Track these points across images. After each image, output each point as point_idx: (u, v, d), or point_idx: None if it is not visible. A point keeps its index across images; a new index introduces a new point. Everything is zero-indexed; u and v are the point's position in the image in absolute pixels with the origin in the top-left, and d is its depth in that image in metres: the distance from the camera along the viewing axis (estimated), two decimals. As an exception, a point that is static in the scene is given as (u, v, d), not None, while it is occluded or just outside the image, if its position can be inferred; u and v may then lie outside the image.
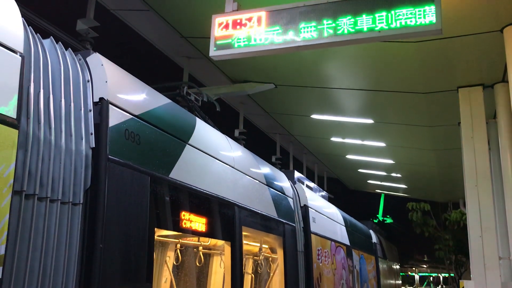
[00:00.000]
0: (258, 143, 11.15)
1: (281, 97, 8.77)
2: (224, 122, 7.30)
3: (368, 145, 11.55)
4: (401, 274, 27.69)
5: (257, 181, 6.24)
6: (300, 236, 7.43)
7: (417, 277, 44.45)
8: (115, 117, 3.54)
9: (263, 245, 6.86)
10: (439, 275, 43.12)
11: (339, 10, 4.33)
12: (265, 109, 9.72)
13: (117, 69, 3.89)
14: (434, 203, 20.87)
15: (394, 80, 7.57)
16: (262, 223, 6.21)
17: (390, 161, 13.24)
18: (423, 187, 17.54)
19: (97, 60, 3.65)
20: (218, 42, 4.69)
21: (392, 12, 4.17)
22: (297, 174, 9.42)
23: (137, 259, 3.61)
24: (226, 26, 4.69)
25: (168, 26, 6.53)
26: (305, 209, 7.95)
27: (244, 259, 5.76)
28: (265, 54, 4.64)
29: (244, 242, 5.72)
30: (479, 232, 6.71)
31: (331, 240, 9.32)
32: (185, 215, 4.38)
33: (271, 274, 7.01)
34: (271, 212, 6.47)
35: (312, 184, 10.79)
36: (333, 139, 11.44)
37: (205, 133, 5.12)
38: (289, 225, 7.04)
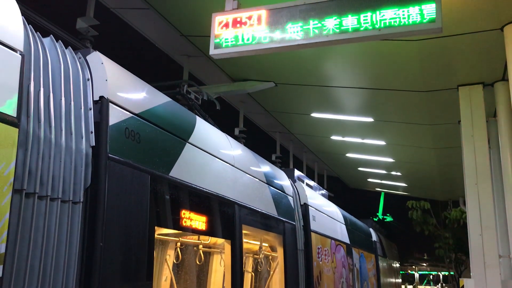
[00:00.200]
0: (258, 141, 11.16)
1: (281, 95, 8.77)
2: (224, 121, 7.30)
3: (368, 143, 11.55)
4: (401, 272, 27.72)
5: (257, 180, 6.24)
6: (300, 235, 7.43)
7: (417, 275, 44.48)
8: (115, 116, 3.54)
9: (263, 244, 6.87)
10: (439, 273, 43.17)
11: (343, 7, 4.32)
12: (265, 107, 9.72)
13: (117, 68, 3.88)
14: (434, 202, 20.90)
15: (394, 78, 7.57)
16: (262, 222, 6.21)
17: (390, 160, 13.25)
18: (423, 186, 17.55)
19: (97, 58, 3.65)
20: (218, 41, 4.68)
21: (395, 9, 4.17)
22: (297, 173, 9.42)
23: (137, 258, 3.61)
24: (226, 25, 4.69)
25: (168, 25, 6.52)
26: (305, 207, 7.96)
27: (244, 257, 5.77)
28: (265, 52, 4.64)
29: (244, 240, 5.72)
30: (479, 230, 6.72)
31: (331, 238, 9.33)
32: (185, 214, 4.38)
33: (271, 273, 7.02)
34: (271, 211, 6.47)
35: (312, 183, 10.80)
36: (333, 137, 11.44)
37: (205, 131, 5.12)
38: (289, 224, 7.04)
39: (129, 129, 3.67)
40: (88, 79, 3.50)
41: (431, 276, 45.93)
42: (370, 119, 9.66)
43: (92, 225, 3.20)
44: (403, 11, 4.14)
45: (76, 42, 4.28)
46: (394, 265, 21.48)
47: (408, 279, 41.56)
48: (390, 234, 25.00)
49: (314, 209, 8.38)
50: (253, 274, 7.01)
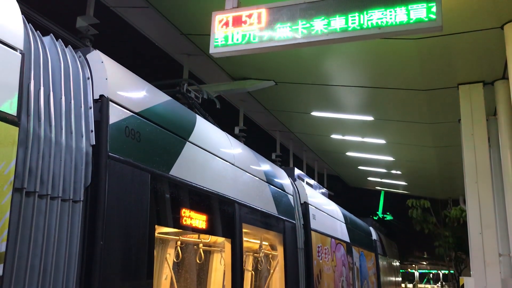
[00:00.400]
0: (258, 140, 11.16)
1: (281, 94, 8.77)
2: (224, 119, 7.30)
3: (368, 142, 11.55)
4: (401, 271, 27.74)
5: (257, 178, 6.25)
6: (300, 233, 7.43)
7: (417, 274, 44.51)
8: (115, 115, 3.54)
9: (263, 242, 6.87)
10: (439, 272, 43.20)
11: (344, 5, 4.31)
12: (265, 106, 9.72)
13: (117, 67, 3.88)
14: (434, 200, 20.90)
15: (395, 77, 7.56)
16: (262, 220, 6.21)
17: (390, 158, 13.25)
18: (423, 184, 17.55)
19: (97, 57, 3.64)
20: (218, 39, 4.68)
21: (398, 8, 4.16)
22: (297, 171, 9.42)
23: (138, 256, 3.61)
24: (226, 23, 4.68)
25: (168, 23, 6.52)
26: (305, 206, 7.96)
27: (244, 256, 5.77)
28: (265, 51, 4.63)
29: (244, 239, 5.72)
30: (479, 229, 6.72)
31: (331, 237, 9.33)
32: (185, 212, 4.38)
33: (271, 271, 7.02)
34: (271, 209, 6.47)
35: (312, 181, 10.80)
36: (333, 136, 11.44)
37: (205, 130, 5.12)
38: (289, 222, 7.04)
39: (129, 127, 3.67)
40: (88, 78, 3.50)
41: (431, 275, 45.97)
42: (370, 118, 9.66)
43: (92, 223, 3.20)
44: (402, 9, 4.13)
45: (76, 41, 4.28)
46: (394, 264, 21.49)
47: (408, 277, 41.59)
48: (390, 233, 25.00)
49: (314, 207, 8.39)
50: (253, 272, 7.02)
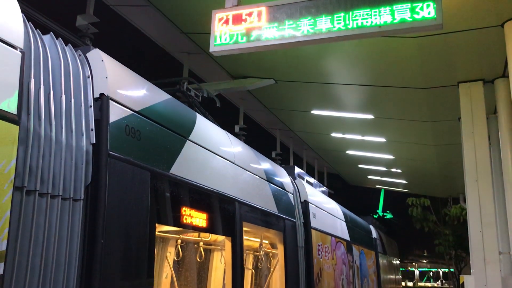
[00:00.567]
0: (258, 138, 11.16)
1: (281, 92, 8.77)
2: (224, 118, 7.30)
3: (368, 140, 11.55)
4: (401, 269, 27.76)
5: (258, 177, 6.25)
6: (300, 232, 7.44)
7: (417, 272, 44.57)
8: (115, 113, 3.54)
9: (264, 241, 6.87)
10: (439, 270, 43.25)
11: (346, 3, 4.30)
12: (265, 104, 9.72)
13: (117, 65, 3.88)
14: (434, 199, 20.91)
15: (395, 75, 7.56)
16: (263, 219, 6.21)
17: (390, 157, 13.25)
18: (423, 183, 17.56)
19: (97, 55, 3.64)
20: (218, 38, 4.67)
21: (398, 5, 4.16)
22: (297, 170, 9.42)
23: (138, 255, 3.62)
24: (226, 22, 4.68)
25: (168, 22, 6.52)
26: (305, 204, 7.96)
27: (244, 254, 5.77)
28: (266, 49, 4.63)
29: (245, 237, 5.73)
30: (479, 227, 6.72)
31: (331, 235, 9.34)
32: (185, 211, 4.38)
33: (272, 270, 7.02)
34: (272, 208, 6.48)
35: (312, 180, 10.80)
36: (333, 134, 11.44)
37: (205, 128, 5.12)
38: (290, 221, 7.05)
39: (129, 126, 3.67)
40: (88, 77, 3.50)
41: (431, 273, 46.01)
42: (370, 116, 9.66)
43: (92, 222, 3.20)
44: (403, 7, 4.13)
45: (76, 39, 4.27)
46: (394, 262, 21.51)
47: (408, 276, 41.65)
48: (390, 231, 25.01)
49: (314, 206, 8.39)
50: (253, 271, 7.03)
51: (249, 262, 6.93)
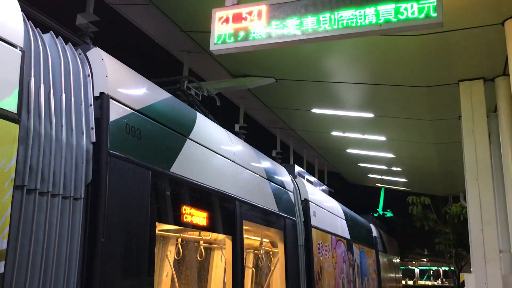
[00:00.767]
0: (259, 137, 11.15)
1: (281, 91, 8.76)
2: (225, 117, 7.30)
3: (368, 139, 11.55)
4: (401, 267, 27.78)
5: (258, 175, 6.25)
6: (300, 230, 7.44)
7: (417, 270, 44.61)
8: (115, 112, 3.54)
9: (264, 239, 6.88)
10: (439, 268, 43.29)
11: (346, 1, 4.30)
12: (265, 103, 9.71)
13: (117, 64, 3.88)
14: (434, 197, 20.89)
15: (395, 74, 7.55)
16: (263, 217, 6.21)
17: (391, 155, 13.24)
18: (424, 181, 17.55)
19: (97, 54, 3.64)
20: (218, 36, 4.67)
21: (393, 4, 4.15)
22: (297, 168, 9.43)
23: (139, 254, 3.62)
24: (226, 20, 4.67)
25: (168, 20, 6.51)
26: (305, 203, 7.96)
27: (245, 253, 5.78)
28: (266, 48, 4.62)
29: (245, 236, 5.73)
30: (479, 225, 6.72)
31: (332, 234, 9.34)
32: (186, 210, 4.38)
33: (272, 268, 7.03)
34: (272, 206, 6.48)
35: (312, 178, 10.80)
36: (334, 133, 11.43)
37: (205, 127, 5.12)
38: (290, 219, 7.05)
39: (129, 125, 3.67)
40: (89, 75, 3.50)
41: (431, 272, 46.05)
42: (371, 115, 9.65)
43: (93, 221, 3.21)
44: (402, 6, 4.12)
45: (76, 38, 4.27)
46: (395, 261, 21.52)
47: (409, 274, 41.69)
48: (390, 230, 25.03)
49: (314, 204, 8.39)
50: (254, 269, 7.03)
51: (249, 261, 6.93)
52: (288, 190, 7.32)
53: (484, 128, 7.01)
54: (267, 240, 7.06)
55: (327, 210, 9.37)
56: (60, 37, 3.46)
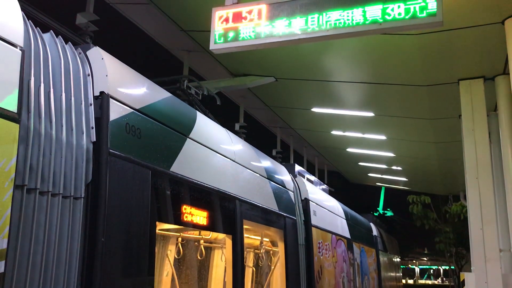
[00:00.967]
0: (259, 136, 11.15)
1: (281, 90, 8.76)
2: (225, 116, 7.30)
3: (368, 138, 11.55)
4: (401, 266, 27.78)
5: (258, 175, 6.25)
6: (301, 229, 7.44)
7: (417, 269, 44.61)
8: (115, 111, 3.54)
9: (264, 239, 6.88)
10: (440, 267, 43.29)
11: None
12: (265, 102, 9.71)
13: (117, 63, 3.88)
14: (434, 196, 20.88)
15: (395, 73, 7.55)
16: (263, 217, 6.22)
17: (391, 154, 13.24)
18: (424, 180, 17.55)
19: (97, 54, 3.64)
20: (218, 35, 4.67)
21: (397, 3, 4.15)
22: (297, 168, 9.42)
23: (139, 253, 3.62)
24: (226, 19, 4.67)
25: (168, 20, 6.50)
26: (305, 202, 7.97)
27: (245, 252, 5.78)
28: (266, 47, 4.62)
29: (245, 235, 5.73)
30: (479, 224, 6.71)
31: (332, 233, 9.34)
32: (186, 209, 4.39)
33: (272, 267, 7.03)
34: (272, 206, 6.48)
35: (312, 178, 10.80)
36: (334, 132, 11.43)
37: (205, 126, 5.12)
38: (290, 218, 7.05)
39: (129, 124, 3.67)
40: (89, 75, 3.49)
41: (431, 271, 46.06)
42: (371, 114, 9.65)
43: (93, 220, 3.21)
44: (402, 5, 4.12)
45: (76, 37, 4.27)
46: (395, 260, 21.52)
47: (409, 273, 41.70)
48: (390, 229, 25.03)
49: (314, 204, 8.39)
50: (254, 269, 7.03)
51: (249, 260, 6.94)
52: (288, 189, 7.32)
53: (484, 127, 7.01)
54: (267, 239, 7.06)
55: (327, 209, 9.37)
56: (60, 36, 3.46)
